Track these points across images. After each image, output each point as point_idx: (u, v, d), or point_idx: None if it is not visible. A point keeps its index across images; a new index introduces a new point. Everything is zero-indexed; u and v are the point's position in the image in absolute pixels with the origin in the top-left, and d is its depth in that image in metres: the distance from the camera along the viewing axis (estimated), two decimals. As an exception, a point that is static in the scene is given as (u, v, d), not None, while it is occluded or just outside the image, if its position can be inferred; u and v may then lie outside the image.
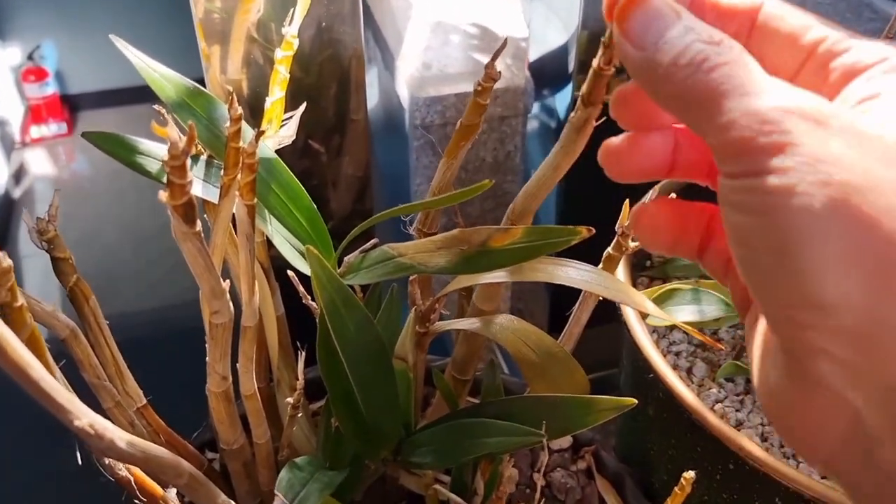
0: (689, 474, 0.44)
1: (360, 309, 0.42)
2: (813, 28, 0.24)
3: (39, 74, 2.00)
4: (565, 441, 0.63)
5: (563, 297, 0.53)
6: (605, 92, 0.34)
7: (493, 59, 0.41)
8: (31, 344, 0.37)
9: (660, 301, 0.55)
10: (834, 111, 0.20)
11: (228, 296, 0.41)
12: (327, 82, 0.66)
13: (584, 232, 0.41)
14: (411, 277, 0.49)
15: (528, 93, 0.84)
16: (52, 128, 2.03)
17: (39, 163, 1.98)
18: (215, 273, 0.39)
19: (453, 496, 0.48)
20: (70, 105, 2.10)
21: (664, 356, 0.54)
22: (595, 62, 0.33)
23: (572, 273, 0.44)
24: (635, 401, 0.43)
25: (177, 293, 1.55)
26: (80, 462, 0.41)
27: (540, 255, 0.41)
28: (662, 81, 0.22)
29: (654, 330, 0.59)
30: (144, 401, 0.49)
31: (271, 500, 0.53)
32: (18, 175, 1.93)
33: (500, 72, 0.41)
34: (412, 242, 0.44)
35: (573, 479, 0.60)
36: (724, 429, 0.48)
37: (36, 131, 2.02)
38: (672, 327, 0.59)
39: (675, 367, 0.55)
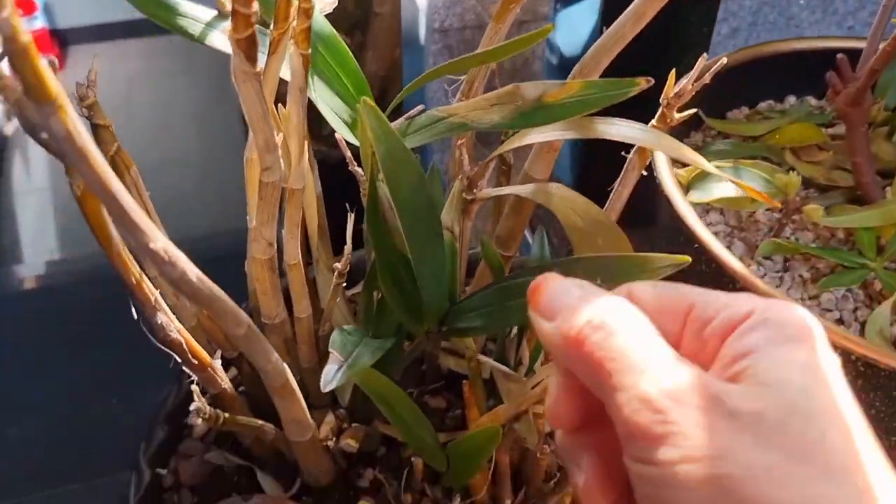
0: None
1: (414, 165, 0.42)
2: (684, 299, 0.26)
3: (27, 8, 1.95)
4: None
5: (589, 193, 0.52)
6: None
7: None
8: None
9: (698, 180, 0.54)
10: (715, 393, 0.23)
11: (280, 152, 0.40)
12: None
13: (643, 82, 0.40)
14: (459, 142, 0.48)
15: (548, -4, 0.83)
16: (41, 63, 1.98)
17: (30, 98, 1.94)
18: (270, 123, 0.38)
19: (498, 364, 0.48)
20: (59, 40, 2.06)
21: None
22: None
23: (625, 130, 0.43)
24: (689, 258, 0.42)
25: (195, 225, 1.54)
26: (136, 317, 0.40)
27: (597, 108, 0.41)
28: (566, 351, 0.25)
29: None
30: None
31: (311, 377, 0.53)
32: (10, 112, 1.90)
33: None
34: (463, 102, 0.44)
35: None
36: (772, 293, 0.48)
37: (25, 66, 1.98)
38: (709, 209, 0.59)
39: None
